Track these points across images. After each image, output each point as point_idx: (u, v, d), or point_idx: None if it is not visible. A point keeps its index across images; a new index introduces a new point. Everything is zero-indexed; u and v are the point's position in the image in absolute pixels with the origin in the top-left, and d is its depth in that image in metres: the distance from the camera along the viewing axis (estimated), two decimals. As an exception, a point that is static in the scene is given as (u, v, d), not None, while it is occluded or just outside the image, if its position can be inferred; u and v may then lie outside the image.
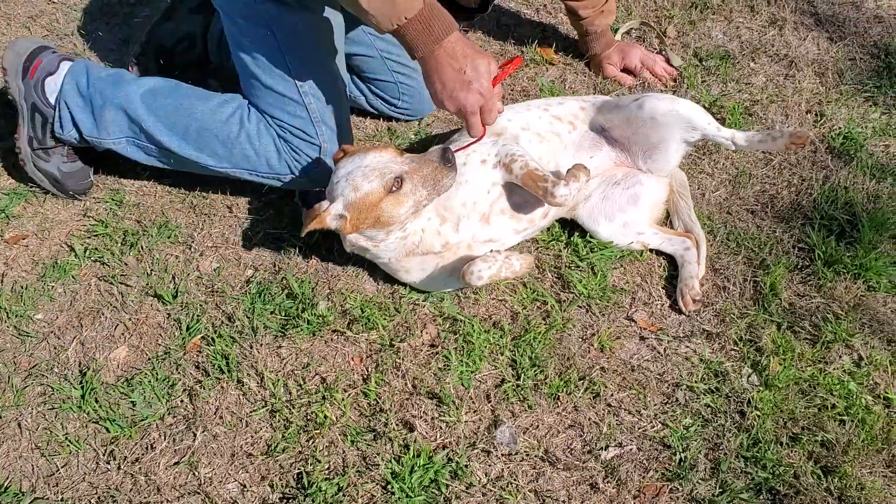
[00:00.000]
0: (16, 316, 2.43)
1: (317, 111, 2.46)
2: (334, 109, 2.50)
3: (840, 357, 2.30)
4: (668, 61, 3.19)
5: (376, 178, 2.14)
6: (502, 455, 2.12)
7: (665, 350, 2.34)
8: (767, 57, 3.24)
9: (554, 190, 2.23)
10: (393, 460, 2.10)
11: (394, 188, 2.14)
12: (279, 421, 2.19)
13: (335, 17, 2.47)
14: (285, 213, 2.68)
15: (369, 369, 2.30)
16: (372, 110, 2.97)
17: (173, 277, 2.52)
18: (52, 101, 2.58)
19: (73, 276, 2.53)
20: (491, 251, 2.31)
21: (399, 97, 2.89)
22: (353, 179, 2.15)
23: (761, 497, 2.04)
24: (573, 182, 2.25)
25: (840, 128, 2.94)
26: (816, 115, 3.00)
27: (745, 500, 2.02)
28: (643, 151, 2.53)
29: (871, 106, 3.04)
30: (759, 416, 2.16)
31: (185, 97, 2.55)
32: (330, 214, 2.17)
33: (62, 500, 2.05)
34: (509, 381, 2.26)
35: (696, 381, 2.26)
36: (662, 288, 2.48)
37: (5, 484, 2.08)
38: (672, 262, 2.52)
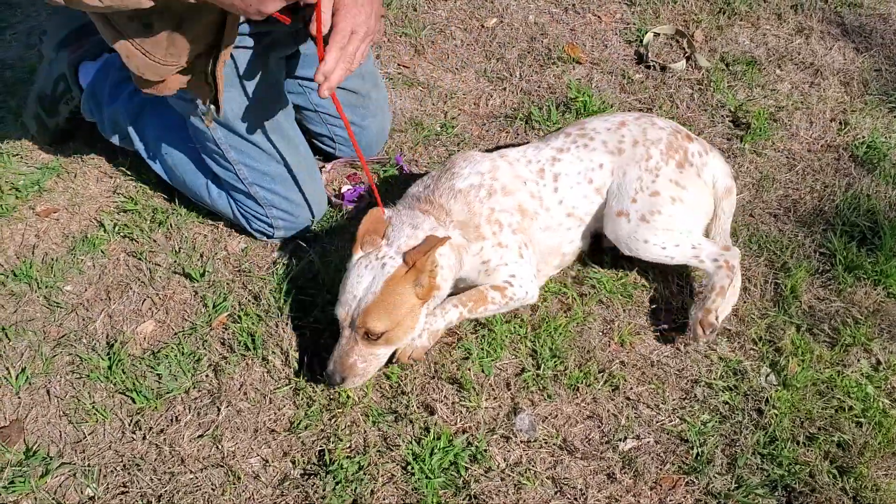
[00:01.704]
0: (46, 287, 2.47)
1: (264, 196, 2.48)
2: (285, 187, 2.49)
3: (858, 360, 2.32)
4: (696, 63, 3.22)
5: None
6: (521, 442, 2.15)
7: (685, 347, 2.36)
8: (793, 64, 3.27)
9: (458, 307, 2.24)
10: (413, 442, 2.13)
11: None
12: (302, 399, 2.22)
13: (268, 79, 2.40)
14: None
15: (392, 353, 2.33)
16: None
17: (201, 256, 2.56)
18: (83, 84, 2.69)
19: (102, 251, 2.57)
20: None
21: (335, 147, 2.83)
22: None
23: (777, 494, 2.06)
24: (445, 325, 2.24)
25: (864, 137, 2.97)
26: (840, 123, 3.03)
27: (760, 496, 2.05)
28: None
29: (895, 117, 3.06)
30: (776, 415, 2.19)
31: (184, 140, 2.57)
32: None
33: (88, 466, 2.08)
34: (529, 371, 2.28)
35: (714, 379, 2.28)
36: (682, 286, 2.50)
37: (34, 448, 2.11)
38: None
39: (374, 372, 2.19)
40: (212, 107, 2.22)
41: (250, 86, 2.34)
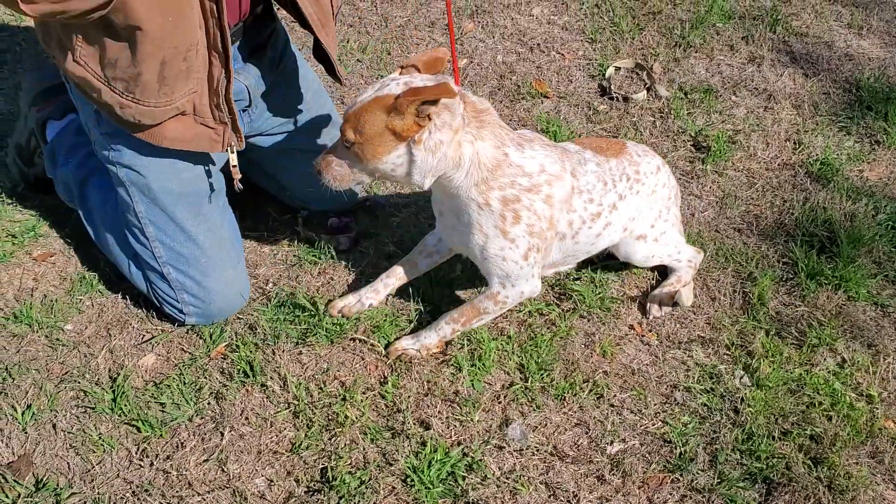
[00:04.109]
0: (47, 327, 2.54)
1: (176, 278, 2.45)
2: (200, 272, 2.44)
3: (824, 359, 2.47)
4: (656, 93, 3.42)
5: None
6: (514, 450, 2.26)
7: (663, 355, 2.50)
8: (747, 91, 3.48)
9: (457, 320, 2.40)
10: (412, 455, 2.23)
11: None
12: (302, 421, 2.31)
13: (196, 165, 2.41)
14: (301, 235, 2.83)
15: (386, 373, 2.44)
16: None
17: (196, 291, 2.66)
18: (49, 139, 2.79)
19: (99, 290, 2.66)
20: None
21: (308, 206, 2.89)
22: None
23: (757, 486, 2.18)
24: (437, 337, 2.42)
25: (817, 154, 3.17)
26: (795, 143, 3.23)
27: (742, 489, 2.17)
28: None
29: (845, 135, 3.28)
30: (752, 413, 2.32)
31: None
32: None
33: (99, 494, 2.15)
34: (518, 384, 2.40)
35: (692, 383, 2.42)
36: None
37: (44, 480, 2.17)
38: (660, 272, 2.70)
39: (347, 184, 2.21)
40: (234, 140, 2.28)
41: (191, 161, 2.36)
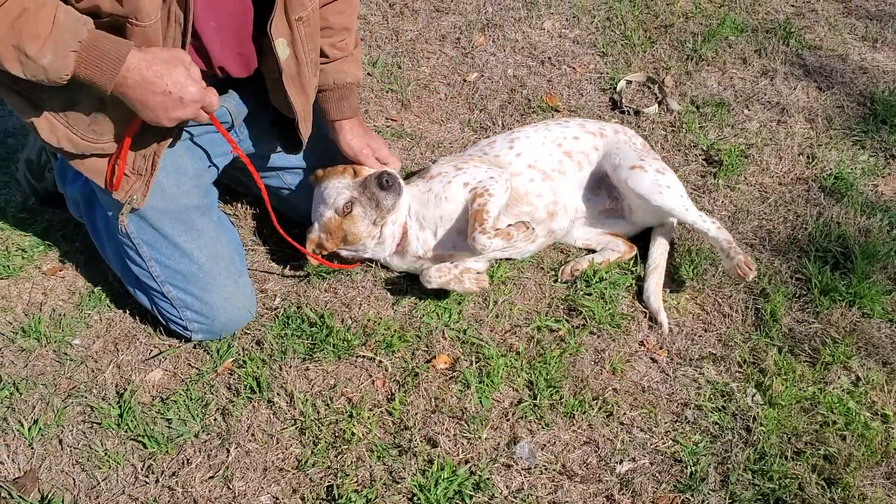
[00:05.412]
0: (55, 341, 2.54)
1: (176, 296, 2.43)
2: (199, 288, 2.43)
3: (838, 377, 2.43)
4: (667, 107, 3.40)
5: (331, 205, 2.52)
6: (522, 469, 2.23)
7: (673, 372, 2.46)
8: (760, 104, 3.45)
9: (476, 235, 2.45)
10: (419, 474, 2.20)
11: (345, 212, 2.51)
12: (308, 438, 2.30)
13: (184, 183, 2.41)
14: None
15: (393, 390, 2.42)
16: None
17: (204, 306, 2.65)
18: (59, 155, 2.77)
19: (108, 305, 2.66)
20: (449, 263, 2.57)
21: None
22: (317, 206, 2.56)
23: (769, 507, 2.15)
24: (500, 238, 2.45)
25: (831, 169, 3.13)
26: (808, 157, 3.19)
27: (753, 510, 2.13)
28: (630, 208, 2.77)
29: (859, 149, 3.24)
30: (764, 432, 2.28)
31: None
32: (313, 241, 2.61)
33: (103, 511, 2.15)
34: (526, 401, 2.38)
35: (703, 401, 2.38)
36: (669, 315, 2.62)
37: (49, 496, 2.17)
38: (671, 288, 2.67)
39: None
40: (135, 197, 2.23)
41: (173, 177, 2.35)
